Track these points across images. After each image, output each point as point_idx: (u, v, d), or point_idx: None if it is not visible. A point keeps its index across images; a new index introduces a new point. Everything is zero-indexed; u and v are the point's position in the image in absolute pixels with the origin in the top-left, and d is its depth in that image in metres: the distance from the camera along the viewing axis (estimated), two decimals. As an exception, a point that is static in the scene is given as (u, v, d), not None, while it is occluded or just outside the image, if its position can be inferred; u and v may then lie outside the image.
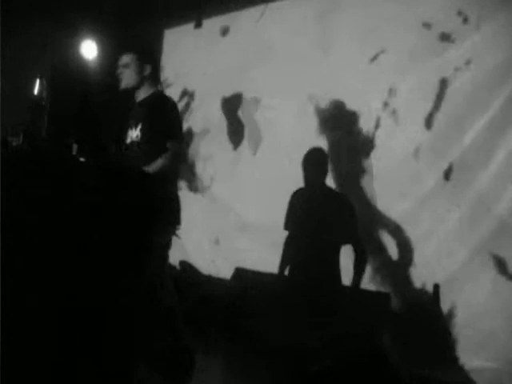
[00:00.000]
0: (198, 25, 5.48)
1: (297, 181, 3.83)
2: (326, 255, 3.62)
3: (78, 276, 1.98)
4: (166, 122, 2.95)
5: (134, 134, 3.01)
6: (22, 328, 1.85)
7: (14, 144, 2.34)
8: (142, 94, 3.13)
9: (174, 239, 3.07)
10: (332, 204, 3.70)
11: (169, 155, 2.88)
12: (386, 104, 4.27)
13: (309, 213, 3.69)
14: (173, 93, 5.61)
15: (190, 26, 5.62)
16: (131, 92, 3.13)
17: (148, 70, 3.11)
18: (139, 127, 3.00)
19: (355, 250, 3.61)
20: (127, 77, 3.09)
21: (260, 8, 5.15)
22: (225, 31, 5.35)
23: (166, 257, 3.09)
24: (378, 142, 4.29)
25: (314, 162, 3.73)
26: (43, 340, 1.89)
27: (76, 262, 1.98)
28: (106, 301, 2.05)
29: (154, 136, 2.93)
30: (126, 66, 3.09)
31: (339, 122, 4.53)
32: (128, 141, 3.07)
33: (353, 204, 3.73)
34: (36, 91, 2.44)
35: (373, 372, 2.55)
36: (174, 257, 5.05)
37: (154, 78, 3.16)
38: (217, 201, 5.27)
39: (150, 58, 3.18)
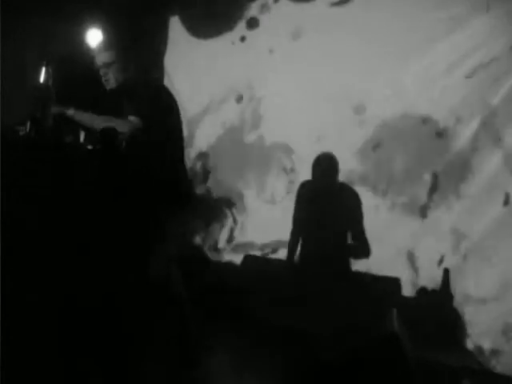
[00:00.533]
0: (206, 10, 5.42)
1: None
2: (334, 243, 3.65)
3: (88, 261, 1.99)
4: (160, 113, 2.85)
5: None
6: (25, 325, 1.86)
7: (21, 133, 2.34)
8: (135, 88, 3.01)
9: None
10: (339, 194, 3.75)
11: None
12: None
13: (316, 202, 3.73)
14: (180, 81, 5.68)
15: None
16: (122, 88, 2.95)
17: (133, 61, 2.97)
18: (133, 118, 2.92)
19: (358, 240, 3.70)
20: (113, 77, 2.90)
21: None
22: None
23: (179, 244, 3.08)
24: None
25: (325, 167, 3.74)
26: (47, 335, 1.90)
27: (86, 245, 1.98)
28: (114, 289, 2.06)
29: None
30: (108, 65, 2.89)
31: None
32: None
33: (359, 196, 3.74)
34: (42, 79, 2.42)
35: (386, 355, 2.55)
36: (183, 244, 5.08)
37: (140, 67, 3.03)
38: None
39: (130, 48, 3.01)
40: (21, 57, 4.30)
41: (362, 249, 3.71)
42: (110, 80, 2.91)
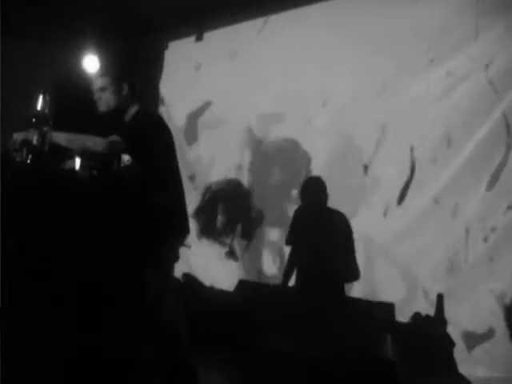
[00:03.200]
0: (199, 38, 5.51)
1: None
2: (329, 268, 3.66)
3: (80, 290, 1.99)
4: (149, 139, 2.85)
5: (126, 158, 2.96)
6: (23, 329, 1.85)
7: (18, 159, 2.35)
8: (126, 114, 3.07)
9: (182, 250, 3.06)
10: (332, 221, 3.78)
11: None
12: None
13: (311, 229, 3.76)
14: (175, 107, 5.73)
15: (191, 39, 5.65)
16: (113, 113, 3.00)
17: (126, 89, 3.01)
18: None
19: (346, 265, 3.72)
20: (106, 100, 2.97)
21: (261, 20, 5.20)
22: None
23: (172, 270, 3.08)
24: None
25: (313, 189, 3.81)
26: (40, 347, 1.89)
27: (80, 276, 1.98)
28: (107, 313, 2.05)
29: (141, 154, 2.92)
30: (102, 89, 2.97)
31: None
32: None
33: (350, 223, 3.80)
34: (39, 107, 2.45)
35: (382, 382, 2.54)
36: (177, 269, 5.07)
37: (133, 94, 3.06)
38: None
39: (125, 76, 3.05)
40: (18, 84, 4.34)
41: (353, 272, 3.74)
42: (103, 104, 2.98)
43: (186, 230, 3.03)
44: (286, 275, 3.94)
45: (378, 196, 4.35)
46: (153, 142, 2.86)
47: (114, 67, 3.10)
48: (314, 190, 3.83)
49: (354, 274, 3.75)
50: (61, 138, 2.58)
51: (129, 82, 3.04)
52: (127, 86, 3.03)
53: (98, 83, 2.99)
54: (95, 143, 2.71)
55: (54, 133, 2.50)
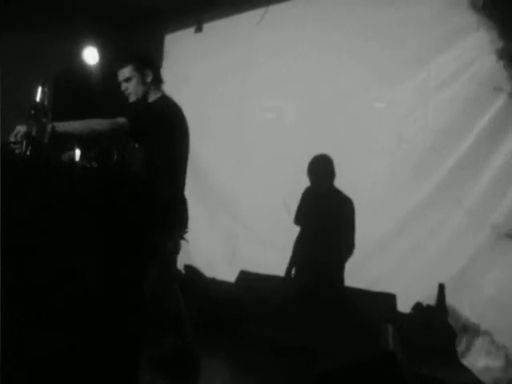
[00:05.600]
0: (199, 29, 5.48)
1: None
2: (332, 255, 3.70)
3: (79, 283, 1.99)
4: (154, 126, 2.89)
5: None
6: (24, 329, 1.86)
7: (17, 151, 2.35)
8: (149, 100, 3.10)
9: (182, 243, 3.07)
10: (337, 204, 3.88)
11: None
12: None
13: (317, 211, 3.83)
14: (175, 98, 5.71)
15: (191, 30, 5.62)
16: (142, 101, 3.06)
17: (150, 75, 3.06)
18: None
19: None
20: (133, 90, 3.03)
21: (261, 11, 5.16)
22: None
23: (174, 262, 3.08)
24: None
25: (320, 167, 3.85)
26: (44, 343, 1.90)
27: (77, 269, 1.98)
28: (109, 306, 2.06)
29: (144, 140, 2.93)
30: (127, 80, 3.02)
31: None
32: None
33: (354, 206, 3.83)
34: (38, 98, 2.44)
35: (382, 372, 2.54)
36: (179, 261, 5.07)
37: (158, 80, 3.11)
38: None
39: (147, 63, 3.10)
40: (17, 75, 4.32)
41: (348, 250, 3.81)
42: (131, 94, 3.04)
43: (184, 221, 3.03)
44: (290, 267, 3.99)
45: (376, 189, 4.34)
46: (159, 129, 2.87)
47: (134, 55, 3.12)
48: (321, 171, 3.88)
49: (349, 250, 3.83)
50: (71, 126, 2.58)
51: (152, 67, 3.09)
52: (151, 72, 3.06)
53: (122, 74, 3.03)
54: (102, 124, 2.72)
55: (62, 123, 2.51)
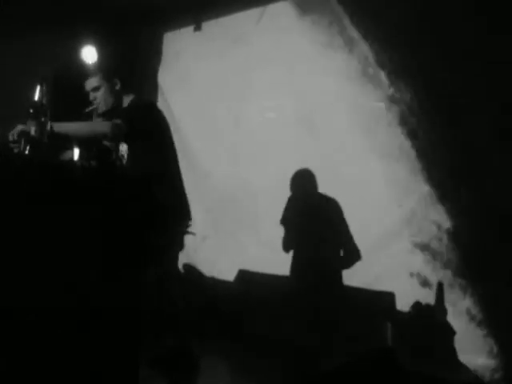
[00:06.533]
0: (198, 28, 5.48)
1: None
2: (325, 255, 3.71)
3: (80, 280, 1.99)
4: (143, 126, 2.92)
5: (124, 147, 2.98)
6: (25, 329, 1.86)
7: (16, 150, 2.35)
8: (122, 105, 3.10)
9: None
10: (324, 207, 3.89)
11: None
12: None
13: (305, 215, 3.82)
14: (174, 96, 5.71)
15: (190, 29, 5.62)
16: (112, 110, 3.05)
17: (118, 84, 3.07)
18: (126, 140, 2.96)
19: (345, 250, 3.83)
20: (103, 99, 3.02)
21: (260, 10, 5.16)
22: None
23: (176, 257, 3.10)
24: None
25: (303, 178, 3.88)
26: (44, 341, 1.90)
27: (78, 266, 1.98)
28: (109, 303, 2.06)
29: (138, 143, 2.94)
30: (95, 89, 3.03)
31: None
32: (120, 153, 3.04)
33: (341, 207, 3.86)
34: (36, 97, 2.44)
35: (381, 371, 2.55)
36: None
37: (127, 86, 3.12)
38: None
39: (114, 71, 3.12)
40: (15, 74, 4.32)
41: (352, 256, 3.77)
42: (100, 104, 3.03)
43: (187, 216, 3.04)
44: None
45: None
46: (146, 125, 2.89)
47: (102, 65, 3.15)
48: (300, 179, 3.89)
49: (355, 256, 3.81)
50: (68, 127, 2.59)
51: (119, 75, 3.10)
52: (118, 80, 3.08)
53: (90, 84, 3.04)
54: (102, 126, 2.75)
55: (61, 123, 2.52)
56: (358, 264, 3.92)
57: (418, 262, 4.01)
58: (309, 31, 4.75)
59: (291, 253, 3.99)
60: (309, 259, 3.79)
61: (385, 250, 4.14)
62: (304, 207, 3.89)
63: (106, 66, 3.18)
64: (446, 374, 3.43)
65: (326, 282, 3.66)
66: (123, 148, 2.96)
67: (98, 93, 3.02)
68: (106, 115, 3.03)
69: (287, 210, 4.02)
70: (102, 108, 3.03)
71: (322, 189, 4.06)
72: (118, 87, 3.07)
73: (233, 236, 5.10)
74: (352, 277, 3.96)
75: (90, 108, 3.02)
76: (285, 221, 4.01)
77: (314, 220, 3.83)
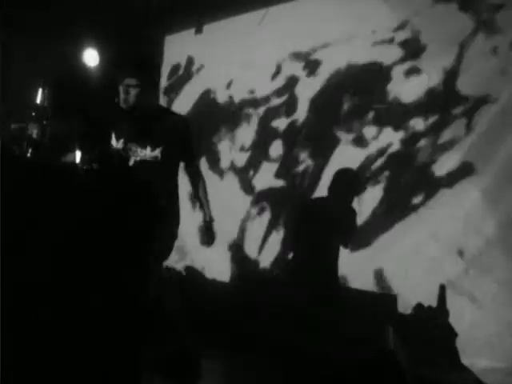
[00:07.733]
0: (199, 31, 5.49)
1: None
2: (330, 256, 3.69)
3: (79, 283, 1.99)
4: (191, 145, 3.12)
5: (148, 152, 2.99)
6: (27, 331, 1.86)
7: (18, 152, 2.35)
8: (144, 109, 3.11)
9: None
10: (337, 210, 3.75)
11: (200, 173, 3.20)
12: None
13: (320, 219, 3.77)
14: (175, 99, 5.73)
15: (191, 31, 5.63)
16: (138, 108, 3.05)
17: (152, 92, 3.16)
18: (160, 148, 2.98)
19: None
20: (134, 98, 2.99)
21: (261, 12, 5.17)
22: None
23: (166, 257, 3.11)
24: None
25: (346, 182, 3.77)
26: (46, 343, 1.90)
27: (77, 270, 1.99)
28: (108, 306, 2.06)
29: (176, 155, 3.04)
30: (134, 86, 3.00)
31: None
32: (137, 156, 3.04)
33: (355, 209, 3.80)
34: (38, 100, 2.45)
35: (382, 373, 2.54)
36: (180, 263, 5.08)
37: (155, 92, 3.20)
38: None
39: (153, 80, 3.24)
40: (17, 77, 4.34)
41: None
42: (129, 99, 2.98)
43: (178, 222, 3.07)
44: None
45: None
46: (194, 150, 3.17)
47: (146, 69, 3.18)
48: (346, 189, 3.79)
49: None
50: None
51: (156, 83, 3.16)
52: (153, 85, 3.20)
53: (129, 81, 2.99)
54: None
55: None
56: (359, 265, 3.91)
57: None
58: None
59: (291, 253, 3.98)
60: (311, 261, 3.76)
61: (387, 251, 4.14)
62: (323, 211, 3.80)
63: (148, 70, 3.18)
64: (448, 376, 3.42)
65: (326, 281, 3.65)
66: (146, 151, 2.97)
67: (134, 90, 2.98)
68: (129, 111, 3.02)
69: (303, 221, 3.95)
70: (127, 104, 3.00)
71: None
72: (149, 92, 3.09)
73: (233, 237, 5.10)
74: (354, 278, 3.96)
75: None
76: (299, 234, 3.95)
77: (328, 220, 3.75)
